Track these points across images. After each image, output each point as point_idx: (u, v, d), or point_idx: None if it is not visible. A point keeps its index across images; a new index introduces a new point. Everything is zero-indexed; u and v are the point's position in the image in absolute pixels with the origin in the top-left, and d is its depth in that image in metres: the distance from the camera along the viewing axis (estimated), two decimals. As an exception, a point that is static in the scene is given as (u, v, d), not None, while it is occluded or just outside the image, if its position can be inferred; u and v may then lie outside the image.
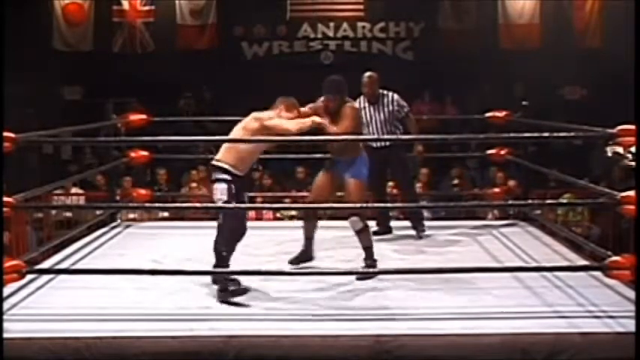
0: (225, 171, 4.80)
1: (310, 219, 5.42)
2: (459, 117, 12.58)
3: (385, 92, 6.58)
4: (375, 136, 6.50)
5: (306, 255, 5.42)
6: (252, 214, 8.42)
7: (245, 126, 4.89)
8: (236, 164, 4.81)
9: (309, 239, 5.43)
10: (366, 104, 6.55)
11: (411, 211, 6.70)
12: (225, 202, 4.76)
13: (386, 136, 6.54)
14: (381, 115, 6.52)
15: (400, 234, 6.56)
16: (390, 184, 7.40)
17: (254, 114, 4.96)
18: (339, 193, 5.55)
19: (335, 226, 6.13)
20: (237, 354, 3.93)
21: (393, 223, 6.75)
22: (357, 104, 6.61)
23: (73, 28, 13.72)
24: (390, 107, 6.53)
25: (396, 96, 6.59)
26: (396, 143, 6.56)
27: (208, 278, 4.91)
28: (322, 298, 4.64)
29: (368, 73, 6.60)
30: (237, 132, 4.92)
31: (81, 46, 13.72)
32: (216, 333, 4.03)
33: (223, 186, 4.78)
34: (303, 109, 5.16)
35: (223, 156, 4.85)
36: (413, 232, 6.53)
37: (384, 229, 6.61)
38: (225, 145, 4.92)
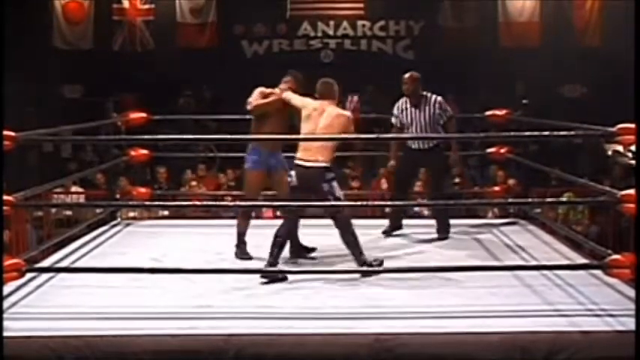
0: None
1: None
2: (459, 115, 12.54)
3: (428, 94, 6.48)
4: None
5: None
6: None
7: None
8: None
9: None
10: (407, 105, 6.49)
11: (438, 212, 6.64)
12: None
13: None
14: (422, 117, 6.42)
15: (400, 233, 6.56)
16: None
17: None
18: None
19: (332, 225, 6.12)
20: (238, 352, 3.92)
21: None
22: (398, 105, 6.58)
23: (73, 27, 13.74)
24: (432, 110, 6.43)
25: (439, 98, 6.49)
26: (438, 146, 6.47)
27: (208, 276, 4.92)
28: (322, 297, 4.64)
29: (408, 74, 6.50)
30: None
31: (81, 45, 13.74)
32: (216, 331, 4.03)
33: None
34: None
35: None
36: (413, 231, 6.54)
37: (393, 227, 6.54)
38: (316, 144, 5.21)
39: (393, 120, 6.62)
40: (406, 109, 6.50)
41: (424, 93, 6.49)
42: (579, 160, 11.86)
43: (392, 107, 6.59)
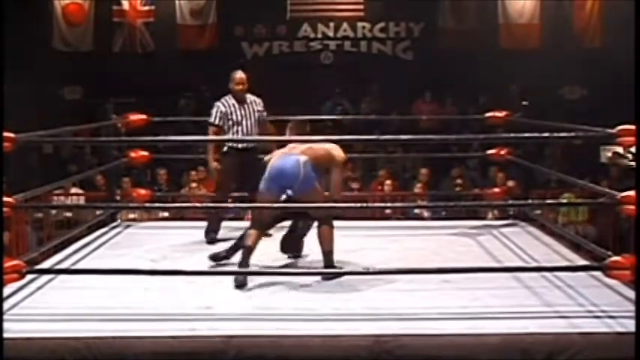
0: None
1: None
2: (459, 117, 12.59)
3: (250, 94, 6.43)
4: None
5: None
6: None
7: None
8: None
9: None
10: (235, 102, 6.39)
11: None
12: None
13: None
14: (252, 116, 6.37)
15: (399, 233, 6.57)
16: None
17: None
18: None
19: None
20: (237, 354, 3.93)
21: (392, 223, 6.74)
22: (222, 103, 6.44)
23: (73, 28, 13.73)
24: (258, 108, 6.41)
25: (259, 99, 6.45)
26: (257, 146, 6.30)
27: (208, 278, 4.92)
28: (322, 298, 4.64)
29: (241, 72, 6.44)
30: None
31: (81, 46, 13.73)
32: (216, 333, 4.03)
33: None
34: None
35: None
36: (412, 233, 6.54)
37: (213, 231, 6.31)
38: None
39: (216, 120, 6.48)
40: (233, 105, 6.38)
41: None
42: (576, 162, 11.85)
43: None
